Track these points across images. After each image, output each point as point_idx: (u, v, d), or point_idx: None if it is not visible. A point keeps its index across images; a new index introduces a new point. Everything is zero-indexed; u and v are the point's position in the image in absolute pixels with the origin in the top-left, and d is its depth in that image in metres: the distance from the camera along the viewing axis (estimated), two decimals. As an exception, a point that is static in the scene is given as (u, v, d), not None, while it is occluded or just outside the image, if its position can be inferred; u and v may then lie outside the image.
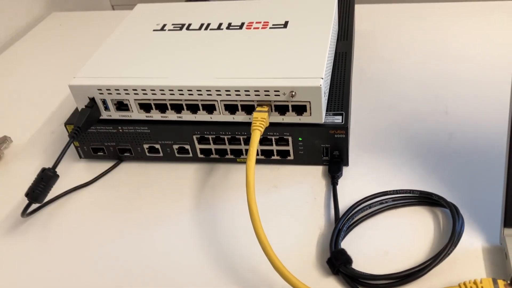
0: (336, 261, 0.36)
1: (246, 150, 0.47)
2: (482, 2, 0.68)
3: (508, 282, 0.33)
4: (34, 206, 0.45)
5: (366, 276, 0.35)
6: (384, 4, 0.71)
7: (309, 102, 0.42)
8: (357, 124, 0.51)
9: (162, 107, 0.46)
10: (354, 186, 0.44)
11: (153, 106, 0.46)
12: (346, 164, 0.46)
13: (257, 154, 0.47)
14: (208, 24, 0.52)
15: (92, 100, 0.46)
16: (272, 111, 0.43)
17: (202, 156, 0.49)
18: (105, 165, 0.51)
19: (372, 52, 0.61)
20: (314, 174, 0.46)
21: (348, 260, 0.36)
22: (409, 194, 0.41)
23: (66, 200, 0.47)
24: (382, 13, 0.69)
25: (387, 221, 0.40)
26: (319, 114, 0.43)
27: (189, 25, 0.53)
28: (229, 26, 0.51)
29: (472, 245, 0.37)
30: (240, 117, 0.44)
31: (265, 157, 0.47)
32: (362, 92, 0.55)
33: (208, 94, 0.43)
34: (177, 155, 0.49)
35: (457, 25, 0.64)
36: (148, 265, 0.40)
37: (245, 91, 0.42)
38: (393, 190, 0.41)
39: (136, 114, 0.46)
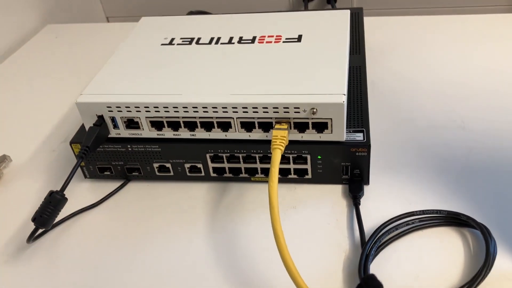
0: (367, 287, 0.34)
1: (262, 169, 0.45)
2: (497, 14, 0.68)
3: (551, 308, 0.31)
4: (40, 230, 0.42)
5: (400, 303, 0.34)
6: (392, 17, 0.70)
7: (331, 119, 0.40)
8: (374, 140, 0.49)
9: (174, 125, 0.44)
10: (376, 206, 0.42)
11: (165, 124, 0.44)
12: (367, 183, 0.44)
13: (273, 173, 0.45)
14: (219, 38, 0.50)
15: (101, 117, 0.44)
16: (291, 128, 0.41)
17: (214, 175, 0.47)
18: (111, 185, 0.48)
19: (382, 65, 0.60)
20: (334, 194, 0.44)
21: (379, 286, 0.34)
22: (436, 215, 0.39)
23: (72, 223, 0.45)
24: (390, 26, 0.68)
25: (415, 243, 0.39)
26: (340, 132, 0.41)
27: (199, 39, 0.51)
28: (240, 40, 0.50)
29: (507, 267, 0.36)
30: (256, 134, 0.43)
31: (282, 176, 0.45)
32: (375, 107, 0.54)
33: (224, 111, 0.42)
34: (188, 174, 0.47)
35: (471, 37, 0.64)
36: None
37: (263, 108, 0.41)
38: (420, 211, 0.39)
39: (147, 132, 0.44)
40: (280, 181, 0.46)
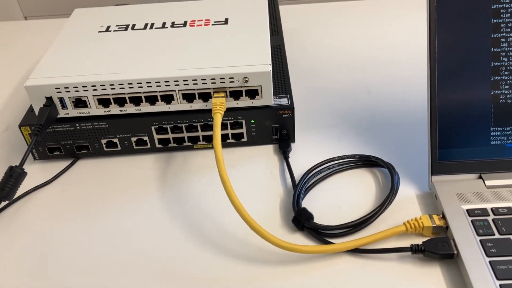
0: (301, 217, 0.42)
1: (203, 137, 0.51)
2: None
3: (440, 215, 0.41)
4: (3, 204, 0.45)
5: (327, 227, 0.41)
6: (305, 4, 0.79)
7: (261, 86, 0.47)
8: (298, 107, 0.57)
9: (120, 101, 0.48)
10: (302, 158, 0.50)
11: (112, 101, 0.48)
12: (293, 140, 0.52)
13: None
14: (152, 24, 0.55)
15: (50, 99, 0.47)
16: (227, 96, 0.48)
17: (160, 146, 0.52)
18: (61, 165, 0.51)
19: (299, 46, 0.68)
20: (267, 152, 0.51)
21: (310, 216, 0.42)
22: (351, 159, 0.48)
23: (27, 200, 0.48)
24: (304, 12, 0.77)
25: (337, 183, 0.47)
26: (269, 97, 0.48)
27: (134, 25, 0.56)
28: (173, 25, 0.55)
29: (408, 194, 0.45)
30: (197, 105, 0.48)
31: (221, 141, 0.51)
32: (295, 80, 0.61)
33: (166, 85, 0.47)
34: (135, 147, 0.52)
35: (371, 18, 0.74)
36: (126, 252, 0.42)
37: (202, 79, 0.47)
38: (338, 157, 0.48)
39: (95, 110, 0.48)
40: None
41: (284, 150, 0.50)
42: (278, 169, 0.49)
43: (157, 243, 0.42)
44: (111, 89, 0.47)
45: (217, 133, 0.43)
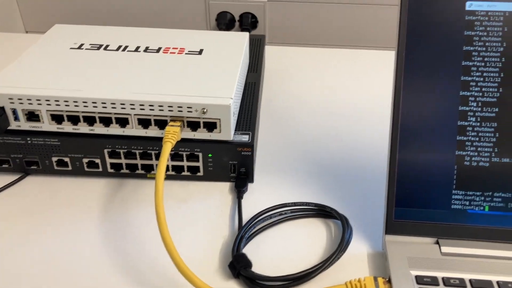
0: (237, 264, 0.38)
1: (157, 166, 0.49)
2: (377, 50, 0.78)
3: (387, 279, 0.37)
4: None
5: (264, 278, 0.38)
6: (295, 47, 0.78)
7: (219, 119, 0.45)
8: (264, 147, 0.55)
9: (74, 119, 0.46)
10: (257, 200, 0.47)
11: (65, 118, 0.46)
12: (252, 180, 0.49)
13: (168, 170, 0.49)
14: (126, 46, 0.54)
15: (1, 109, 0.46)
16: (184, 126, 0.46)
17: (112, 170, 0.49)
18: (8, 178, 0.49)
19: (279, 86, 0.67)
20: (222, 190, 0.49)
21: (248, 263, 0.39)
22: (305, 206, 0.45)
23: (-38, 211, 0.45)
24: (292, 54, 0.76)
25: (286, 231, 0.44)
26: (228, 132, 0.46)
27: (107, 45, 0.54)
28: (146, 49, 0.54)
29: (359, 251, 0.42)
30: (153, 131, 0.46)
31: (176, 173, 0.49)
32: (268, 119, 0.59)
33: (122, 108, 0.45)
34: (86, 169, 0.49)
35: (355, 67, 0.72)
36: (51, 276, 0.39)
37: (159, 106, 0.45)
38: (291, 203, 0.45)
39: (47, 125, 0.47)
40: (176, 178, 0.50)
41: (239, 189, 0.48)
42: (230, 209, 0.46)
43: (82, 272, 0.39)
44: (65, 105, 0.45)
45: (163, 163, 0.41)
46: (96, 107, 0.45)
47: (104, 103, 0.45)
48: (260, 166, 0.52)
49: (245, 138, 0.48)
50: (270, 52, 0.76)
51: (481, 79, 0.39)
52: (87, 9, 0.93)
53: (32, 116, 0.46)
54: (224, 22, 0.91)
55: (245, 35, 0.58)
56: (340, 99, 0.64)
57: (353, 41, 0.88)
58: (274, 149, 0.55)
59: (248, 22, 0.91)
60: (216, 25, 0.93)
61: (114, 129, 0.46)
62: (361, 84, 0.68)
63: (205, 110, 0.44)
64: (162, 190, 0.39)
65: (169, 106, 0.45)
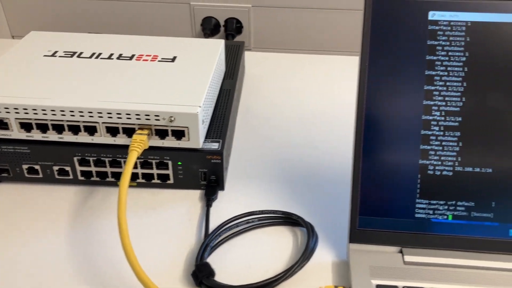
0: (200, 273, 0.38)
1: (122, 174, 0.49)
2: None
3: (348, 288, 0.37)
4: None
5: (226, 287, 0.38)
6: (277, 53, 0.79)
7: (187, 127, 0.45)
8: (239, 154, 0.55)
9: (43, 127, 0.46)
10: (227, 208, 0.47)
11: (34, 126, 0.46)
12: (222, 188, 0.49)
13: (138, 178, 0.49)
14: (100, 54, 0.54)
15: (-30, 116, 0.46)
16: (152, 134, 0.46)
17: (82, 178, 0.49)
18: (-21, 186, 0.49)
19: (257, 93, 0.67)
20: (192, 198, 0.49)
21: (211, 272, 0.39)
22: (273, 214, 0.45)
23: None
24: (274, 60, 0.76)
25: (252, 239, 0.44)
26: (196, 140, 0.46)
27: (81, 53, 0.55)
28: (119, 57, 0.54)
29: (324, 259, 0.42)
30: (121, 139, 0.46)
31: (146, 181, 0.49)
32: (243, 126, 0.60)
33: (90, 116, 0.45)
34: (57, 176, 0.49)
35: (337, 74, 0.72)
36: (14, 283, 0.39)
37: (126, 114, 0.45)
38: (259, 211, 0.45)
39: (17, 133, 0.47)
40: (145, 185, 0.50)
41: (208, 197, 0.48)
42: (198, 217, 0.46)
43: (46, 280, 0.39)
44: (34, 113, 0.45)
45: (128, 171, 0.41)
46: (64, 115, 0.45)
47: (72, 111, 0.45)
48: (233, 173, 0.52)
49: (214, 146, 0.48)
50: (253, 58, 0.76)
51: (444, 88, 0.40)
52: (72, 14, 0.93)
53: (1, 124, 0.46)
54: (209, 27, 0.91)
55: (221, 42, 0.58)
56: (318, 106, 0.64)
57: (341, 47, 0.88)
58: (248, 157, 0.55)
59: (233, 27, 0.91)
60: (201, 31, 0.93)
61: (83, 137, 0.47)
62: (344, 91, 0.68)
63: (172, 119, 0.44)
64: (125, 198, 0.39)
65: (136, 114, 0.45)
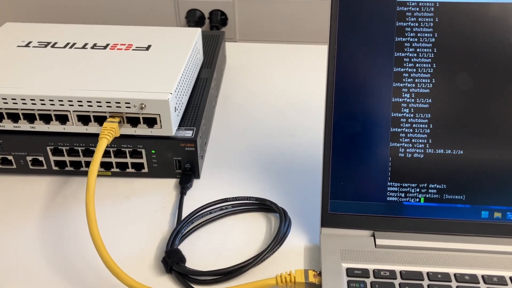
0: (169, 259, 0.38)
1: (102, 163, 0.48)
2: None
3: (318, 272, 0.37)
4: None
5: (196, 272, 0.38)
6: (263, 44, 0.78)
7: (159, 115, 0.45)
8: (217, 142, 0.54)
9: (14, 117, 0.46)
10: (202, 196, 0.47)
11: (5, 116, 0.46)
12: (198, 176, 0.49)
13: (112, 167, 0.49)
14: (74, 44, 0.54)
15: None
16: (124, 122, 0.45)
17: (57, 168, 0.49)
18: (-48, 177, 0.49)
19: (236, 83, 0.67)
20: (167, 186, 0.48)
21: (181, 259, 0.38)
22: (246, 201, 0.45)
23: None
24: (255, 50, 0.76)
25: (226, 226, 0.43)
26: (169, 127, 0.46)
27: (55, 43, 0.54)
28: (93, 46, 0.53)
29: (297, 245, 0.42)
30: (93, 128, 0.46)
31: (121, 170, 0.49)
32: (222, 116, 0.59)
33: (60, 104, 0.45)
34: (31, 167, 0.49)
35: (317, 63, 0.72)
36: (-20, 271, 0.39)
37: (97, 102, 0.44)
38: (233, 197, 0.44)
39: (-13, 123, 0.46)
40: (120, 175, 0.49)
41: (183, 185, 0.47)
42: (172, 205, 0.46)
43: (16, 270, 0.39)
44: (4, 103, 0.45)
45: (97, 158, 0.41)
46: (35, 104, 0.45)
47: (43, 99, 0.45)
48: (210, 162, 0.52)
49: (188, 133, 0.47)
50: (236, 49, 0.76)
51: (414, 70, 0.39)
52: (54, 6, 0.92)
53: (-28, 114, 0.46)
54: (194, 19, 0.91)
55: (197, 31, 0.58)
56: (296, 96, 0.64)
57: (326, 37, 0.88)
58: (226, 145, 0.54)
59: (217, 19, 0.90)
60: (186, 23, 0.92)
61: (55, 126, 0.46)
62: (324, 80, 0.67)
63: (143, 106, 0.44)
64: (94, 185, 0.39)
65: (107, 102, 0.44)
